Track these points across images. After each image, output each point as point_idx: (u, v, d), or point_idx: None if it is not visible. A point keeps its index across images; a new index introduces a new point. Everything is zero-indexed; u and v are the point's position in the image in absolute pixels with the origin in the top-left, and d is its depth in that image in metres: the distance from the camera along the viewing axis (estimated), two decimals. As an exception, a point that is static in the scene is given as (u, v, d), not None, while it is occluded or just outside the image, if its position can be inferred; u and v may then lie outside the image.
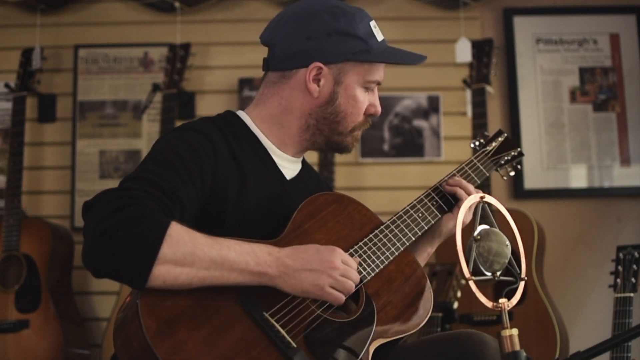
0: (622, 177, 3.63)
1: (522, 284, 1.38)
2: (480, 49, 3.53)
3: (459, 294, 2.94)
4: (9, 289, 3.28)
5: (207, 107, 3.65)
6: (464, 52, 3.59)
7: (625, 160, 3.63)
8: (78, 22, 3.79)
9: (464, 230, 1.43)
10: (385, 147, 3.67)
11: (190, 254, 1.39)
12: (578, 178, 3.65)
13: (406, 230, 1.71)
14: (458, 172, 1.85)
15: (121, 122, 3.71)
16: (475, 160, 1.90)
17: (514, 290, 1.37)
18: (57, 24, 3.79)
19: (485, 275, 1.36)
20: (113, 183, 3.67)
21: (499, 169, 1.94)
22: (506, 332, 1.31)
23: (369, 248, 1.64)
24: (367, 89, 1.72)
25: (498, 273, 1.37)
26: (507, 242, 1.38)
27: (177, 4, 3.67)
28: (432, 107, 3.69)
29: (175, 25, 3.71)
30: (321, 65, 1.66)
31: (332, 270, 1.49)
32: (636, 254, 2.54)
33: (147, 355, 1.33)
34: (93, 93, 3.73)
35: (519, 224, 1.65)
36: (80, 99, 3.72)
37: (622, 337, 1.42)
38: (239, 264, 1.43)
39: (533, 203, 3.57)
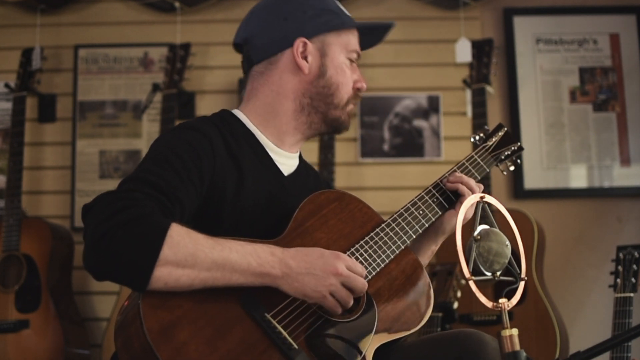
0: (622, 177, 3.63)
1: (522, 284, 1.38)
2: (480, 49, 3.53)
3: (459, 294, 2.94)
4: (9, 289, 3.28)
5: (207, 107, 3.65)
6: (464, 52, 3.59)
7: (625, 160, 3.63)
8: (78, 22, 3.79)
9: (463, 230, 1.43)
10: (385, 147, 3.67)
11: (191, 256, 1.38)
12: (578, 178, 3.65)
13: (407, 228, 1.70)
14: (458, 167, 1.84)
15: (121, 122, 3.71)
16: (475, 156, 1.89)
17: (514, 290, 1.37)
18: (57, 24, 3.79)
19: (485, 275, 1.36)
20: (113, 183, 3.68)
21: (499, 164, 1.94)
22: (506, 332, 1.31)
23: (370, 247, 1.64)
24: (350, 60, 1.76)
25: (498, 273, 1.37)
26: (507, 242, 1.38)
27: (177, 4, 3.67)
28: (432, 107, 3.69)
29: (175, 25, 3.71)
30: (305, 40, 1.71)
31: (334, 276, 1.48)
32: (636, 254, 2.54)
33: (148, 357, 1.33)
34: (93, 93, 3.73)
35: (519, 224, 1.65)
36: (80, 99, 3.72)
37: (622, 337, 1.41)
38: (240, 265, 1.42)
39: (533, 203, 3.57)
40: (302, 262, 1.47)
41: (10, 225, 3.31)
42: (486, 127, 2.02)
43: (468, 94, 3.58)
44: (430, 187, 1.79)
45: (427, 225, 1.74)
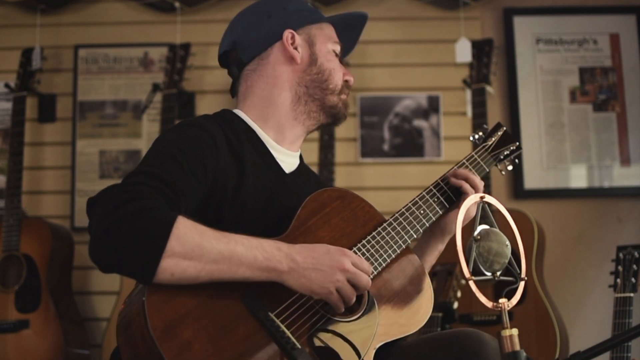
0: (622, 177, 3.63)
1: (522, 284, 1.38)
2: (480, 49, 3.53)
3: (459, 294, 2.94)
4: (9, 289, 3.28)
5: (207, 107, 3.65)
6: (464, 52, 3.59)
7: (625, 160, 3.63)
8: (78, 22, 3.79)
9: (464, 230, 1.43)
10: (385, 147, 3.67)
11: (198, 247, 1.38)
12: (578, 178, 3.65)
13: (408, 228, 1.70)
14: (459, 167, 1.84)
15: (121, 122, 3.72)
16: (475, 156, 1.89)
17: (514, 290, 1.37)
18: (57, 24, 3.79)
19: (485, 275, 1.36)
20: (113, 183, 3.67)
21: (498, 163, 1.94)
22: (506, 332, 1.31)
23: (372, 246, 1.64)
24: (335, 53, 1.80)
25: (498, 273, 1.37)
26: (507, 242, 1.38)
27: (177, 4, 3.67)
28: (432, 107, 3.69)
29: (175, 25, 3.71)
30: (293, 31, 1.76)
31: (341, 272, 1.49)
32: (636, 254, 2.53)
33: (152, 354, 1.33)
34: (93, 93, 3.73)
35: (519, 224, 1.65)
36: (80, 99, 3.72)
37: (622, 337, 1.42)
38: (247, 258, 1.42)
39: (533, 203, 3.57)
40: (308, 257, 1.48)
41: (10, 225, 3.31)
42: (485, 126, 2.02)
43: (468, 94, 3.58)
44: (431, 187, 1.79)
45: (427, 224, 1.74)
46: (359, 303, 1.58)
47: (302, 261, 1.47)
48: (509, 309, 1.34)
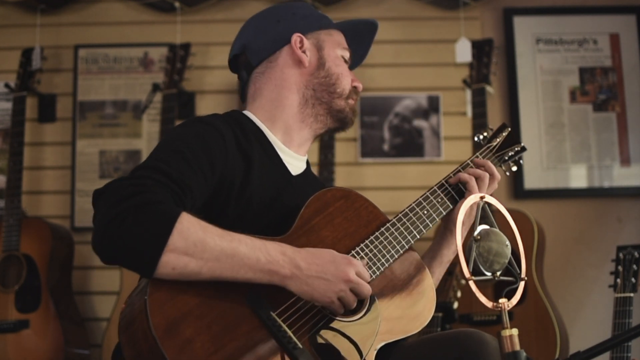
0: (622, 177, 3.63)
1: (522, 284, 1.38)
2: (480, 49, 3.53)
3: (459, 294, 2.94)
4: (9, 289, 3.28)
5: (207, 107, 3.65)
6: (464, 52, 3.59)
7: (625, 160, 3.63)
8: (78, 22, 3.79)
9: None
10: (385, 147, 3.67)
11: (200, 243, 1.39)
12: (578, 178, 3.65)
13: (412, 228, 1.70)
14: (463, 168, 1.84)
15: (121, 122, 3.72)
16: (480, 156, 1.89)
17: (514, 290, 1.37)
18: (57, 24, 3.79)
19: (485, 275, 1.36)
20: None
21: (502, 164, 1.94)
22: (506, 332, 1.31)
23: (375, 246, 1.64)
24: (344, 59, 1.82)
25: (498, 273, 1.37)
26: (507, 242, 1.38)
27: (177, 4, 3.67)
28: (432, 107, 3.69)
29: (175, 25, 3.71)
30: (301, 35, 1.78)
31: (345, 283, 1.49)
32: (636, 254, 2.54)
33: (154, 353, 1.33)
34: (93, 93, 3.73)
35: (519, 224, 1.65)
36: (80, 99, 3.72)
37: (622, 337, 1.42)
38: (250, 259, 1.42)
39: (533, 203, 3.57)
40: (312, 264, 1.48)
41: (10, 225, 3.31)
42: (490, 127, 2.01)
43: (468, 94, 3.58)
44: (435, 187, 1.79)
45: (431, 225, 1.74)
46: (361, 303, 1.57)
47: (305, 268, 1.47)
48: (509, 309, 1.34)
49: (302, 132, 1.78)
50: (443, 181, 1.80)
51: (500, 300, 1.35)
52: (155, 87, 3.53)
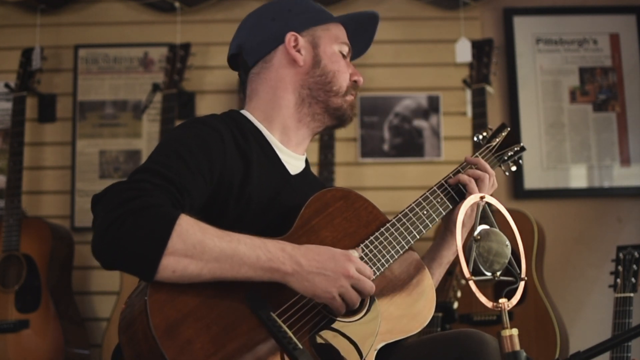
0: (622, 177, 3.63)
1: (522, 284, 1.38)
2: (480, 49, 3.53)
3: (459, 294, 2.94)
4: (9, 289, 3.28)
5: (207, 107, 3.65)
6: (464, 52, 3.59)
7: (625, 160, 3.63)
8: (78, 22, 3.79)
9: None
10: (385, 147, 3.67)
11: (200, 244, 1.38)
12: (578, 178, 3.65)
13: (411, 229, 1.70)
14: (462, 168, 1.84)
15: (121, 122, 3.72)
16: (479, 156, 1.89)
17: (514, 290, 1.37)
18: (57, 24, 3.79)
19: (485, 275, 1.36)
20: (114, 182, 3.67)
21: (501, 164, 1.93)
22: (506, 332, 1.31)
23: (375, 247, 1.64)
24: (342, 53, 1.79)
25: (498, 273, 1.37)
26: (507, 242, 1.38)
27: (177, 4, 3.67)
28: (432, 107, 3.69)
29: (175, 25, 3.71)
30: (296, 34, 1.75)
31: (346, 278, 1.49)
32: (636, 254, 2.54)
33: (154, 354, 1.33)
34: (93, 93, 3.73)
35: (519, 224, 1.65)
36: (80, 99, 3.73)
37: (622, 337, 1.42)
38: (249, 258, 1.42)
39: (533, 203, 3.57)
40: (313, 261, 1.47)
41: (10, 225, 3.31)
42: (490, 126, 2.01)
43: (468, 94, 3.58)
44: (434, 187, 1.79)
45: (431, 226, 1.74)
46: (361, 304, 1.57)
47: (306, 264, 1.46)
48: (509, 309, 1.34)
49: (299, 132, 1.77)
50: (442, 181, 1.80)
51: (500, 300, 1.35)
52: (155, 87, 3.53)
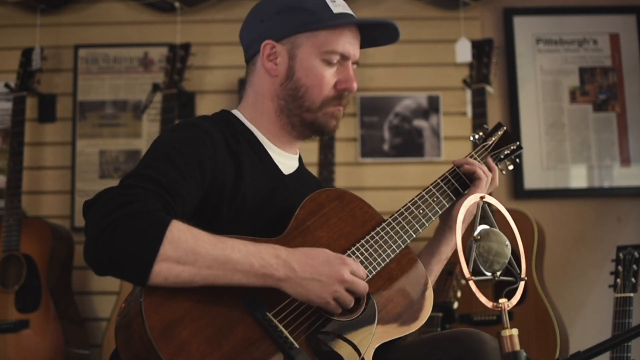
0: (622, 177, 3.63)
1: (522, 284, 1.38)
2: (480, 49, 3.53)
3: (459, 294, 2.94)
4: (9, 289, 3.28)
5: (207, 107, 3.65)
6: (464, 52, 3.59)
7: (625, 160, 3.63)
8: (78, 22, 3.79)
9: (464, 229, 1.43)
10: (385, 147, 3.67)
11: (192, 252, 1.38)
12: (578, 178, 3.65)
13: (407, 227, 1.70)
14: (458, 167, 1.84)
15: (121, 122, 3.72)
16: (475, 155, 1.89)
17: (514, 290, 1.37)
18: (57, 24, 3.79)
19: (485, 275, 1.36)
20: (113, 183, 3.68)
21: (498, 163, 1.94)
22: (506, 332, 1.31)
23: (371, 246, 1.64)
24: (328, 62, 1.67)
25: (498, 273, 1.37)
26: (507, 242, 1.38)
27: (177, 4, 3.67)
28: (432, 107, 3.69)
29: (175, 25, 3.71)
30: (273, 43, 1.68)
31: (340, 283, 1.49)
32: (636, 254, 2.54)
33: (150, 355, 1.33)
34: (93, 93, 3.73)
35: (519, 224, 1.65)
36: (80, 99, 3.72)
37: (622, 337, 1.42)
38: (242, 265, 1.42)
39: (533, 203, 3.56)
40: (306, 266, 1.47)
41: (10, 225, 3.31)
42: (485, 126, 2.02)
43: (468, 94, 3.58)
44: (430, 186, 1.79)
45: (427, 224, 1.74)
46: (358, 302, 1.57)
47: (300, 270, 1.46)
48: (509, 309, 1.34)
49: (283, 138, 1.74)
50: (439, 180, 1.80)
51: (500, 300, 1.35)
52: (155, 87, 3.53)
